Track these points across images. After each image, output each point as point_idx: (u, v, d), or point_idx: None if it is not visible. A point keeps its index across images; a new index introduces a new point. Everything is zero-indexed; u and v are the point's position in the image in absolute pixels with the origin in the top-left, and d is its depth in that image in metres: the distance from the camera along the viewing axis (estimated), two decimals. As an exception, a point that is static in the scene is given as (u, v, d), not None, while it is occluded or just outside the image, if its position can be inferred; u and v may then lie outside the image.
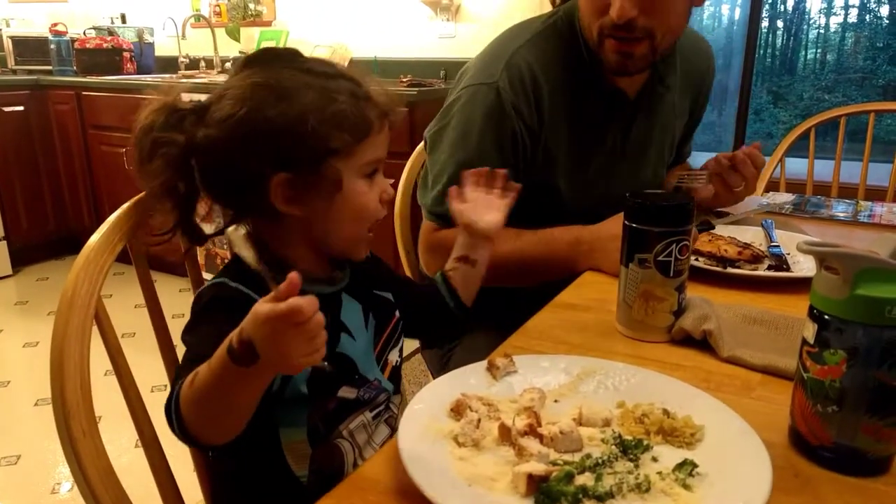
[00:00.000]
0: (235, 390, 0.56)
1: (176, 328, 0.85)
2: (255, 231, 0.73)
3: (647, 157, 1.22)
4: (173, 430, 0.61)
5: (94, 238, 0.76)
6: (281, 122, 0.66)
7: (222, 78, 3.32)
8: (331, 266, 0.76)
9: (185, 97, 0.71)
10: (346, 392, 0.74)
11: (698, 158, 1.48)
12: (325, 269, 0.76)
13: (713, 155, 1.23)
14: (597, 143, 1.14)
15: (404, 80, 2.82)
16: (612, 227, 0.99)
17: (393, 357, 0.81)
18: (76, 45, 3.58)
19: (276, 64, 0.69)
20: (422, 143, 1.41)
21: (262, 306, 0.50)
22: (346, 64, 3.20)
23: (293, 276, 0.50)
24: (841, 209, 1.43)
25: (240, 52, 3.46)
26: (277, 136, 0.66)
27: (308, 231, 0.72)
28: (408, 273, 1.40)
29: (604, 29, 1.03)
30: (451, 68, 2.96)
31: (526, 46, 1.10)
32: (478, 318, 1.20)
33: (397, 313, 0.82)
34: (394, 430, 0.80)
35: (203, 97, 0.70)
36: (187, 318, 0.70)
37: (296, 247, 0.73)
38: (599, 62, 1.08)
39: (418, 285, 0.90)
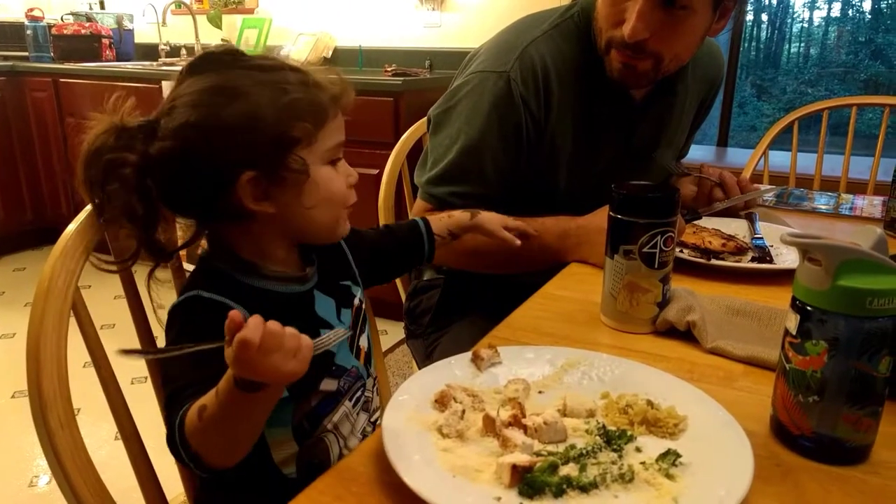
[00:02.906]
0: (250, 414, 0.58)
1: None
2: (224, 237, 0.72)
3: (649, 163, 1.21)
4: (183, 463, 0.61)
5: (72, 227, 0.74)
6: (237, 120, 0.65)
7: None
8: (302, 263, 0.76)
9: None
10: (328, 385, 0.74)
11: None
12: (296, 268, 0.75)
13: (701, 148, 1.24)
14: (601, 144, 1.13)
15: (389, 69, 2.80)
16: (600, 219, 0.99)
17: (363, 342, 0.82)
18: (53, 30, 3.51)
19: (220, 67, 0.68)
20: (409, 130, 1.40)
21: (226, 352, 0.53)
22: (329, 53, 3.18)
23: (233, 314, 0.52)
24: (823, 202, 1.44)
25: (222, 39, 3.42)
26: (236, 135, 0.65)
27: (283, 226, 0.72)
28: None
29: (612, 41, 1.02)
30: (436, 58, 2.95)
31: (542, 39, 1.09)
32: (463, 309, 1.20)
33: (357, 300, 0.82)
34: (370, 413, 0.81)
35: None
36: (168, 309, 0.69)
37: (269, 246, 0.72)
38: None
39: (373, 233, 0.92)
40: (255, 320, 0.52)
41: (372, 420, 0.81)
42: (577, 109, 1.10)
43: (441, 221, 0.94)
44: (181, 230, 0.73)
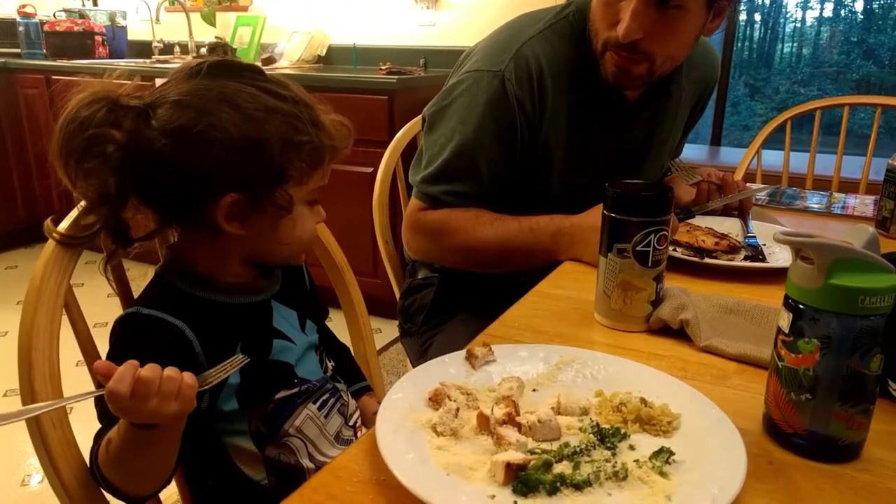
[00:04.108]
0: (150, 447, 0.60)
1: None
2: (184, 240, 0.71)
3: (643, 162, 1.22)
4: (103, 489, 0.64)
5: (64, 225, 0.73)
6: (242, 142, 0.64)
7: (198, 63, 3.26)
8: (259, 275, 0.76)
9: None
10: (284, 394, 0.74)
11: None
12: (252, 279, 0.75)
13: (694, 147, 1.24)
14: (594, 143, 1.14)
15: (383, 67, 2.79)
16: (593, 218, 0.99)
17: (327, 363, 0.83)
18: (46, 27, 3.48)
19: (237, 78, 0.67)
20: (404, 129, 1.40)
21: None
22: (323, 52, 3.17)
23: (97, 365, 0.53)
24: (815, 201, 1.45)
25: (216, 37, 3.40)
26: (237, 158, 0.64)
27: (245, 248, 0.72)
28: (386, 263, 1.39)
29: (608, 42, 1.03)
30: (431, 56, 2.95)
31: (536, 39, 1.09)
32: (457, 308, 1.20)
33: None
34: (346, 417, 0.81)
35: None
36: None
37: (226, 259, 0.72)
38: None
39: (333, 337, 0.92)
40: (124, 369, 0.52)
41: (350, 424, 0.81)
42: (571, 109, 1.10)
43: (366, 403, 0.91)
44: (143, 218, 0.71)
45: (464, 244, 1.08)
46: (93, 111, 0.63)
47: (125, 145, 0.64)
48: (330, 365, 0.83)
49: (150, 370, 0.53)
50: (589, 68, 1.08)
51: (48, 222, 0.71)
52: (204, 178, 0.65)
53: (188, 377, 0.55)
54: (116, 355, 0.65)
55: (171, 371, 0.54)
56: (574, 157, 1.13)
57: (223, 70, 0.67)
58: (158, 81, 0.69)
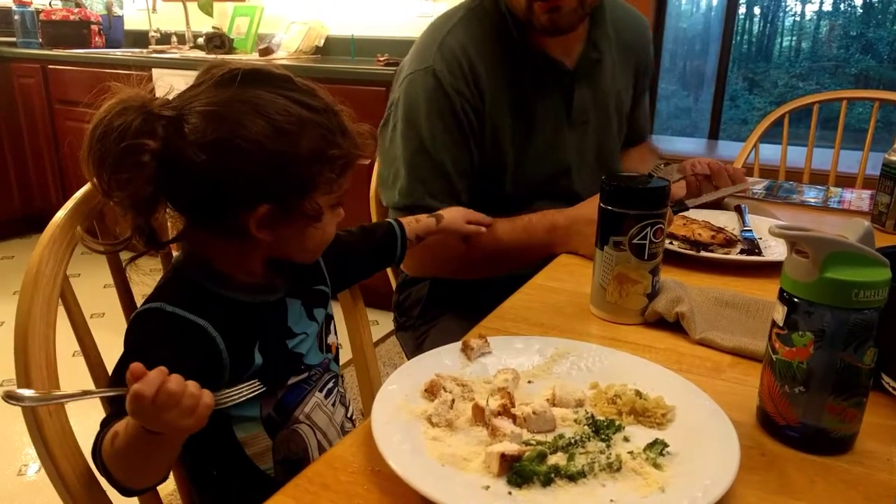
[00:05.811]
0: (153, 451, 0.60)
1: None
2: (206, 243, 0.71)
3: (591, 125, 1.22)
4: (101, 475, 0.64)
5: (60, 215, 0.73)
6: (278, 159, 0.65)
7: (195, 54, 3.24)
8: (272, 273, 0.76)
9: (158, 74, 0.68)
10: (294, 380, 0.75)
11: (678, 145, 1.48)
12: (268, 278, 0.75)
13: (692, 141, 1.24)
14: (541, 115, 1.14)
15: (381, 59, 2.78)
16: (589, 210, 0.99)
17: (332, 339, 0.83)
18: (41, 16, 3.46)
19: (269, 88, 0.66)
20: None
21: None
22: (321, 42, 3.16)
23: (133, 367, 0.52)
24: (812, 195, 1.45)
25: (213, 27, 3.38)
26: (273, 172, 0.65)
27: (270, 250, 0.72)
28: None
29: None
30: (429, 48, 2.93)
31: (455, 29, 1.10)
32: (452, 300, 1.20)
33: (330, 305, 0.84)
34: (347, 408, 0.82)
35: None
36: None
37: (249, 260, 0.72)
38: (531, 35, 1.09)
39: (349, 236, 0.93)
40: (155, 374, 0.52)
41: (349, 416, 0.82)
42: (510, 85, 1.11)
43: (410, 226, 0.96)
44: (170, 219, 0.72)
45: (459, 253, 1.08)
46: (128, 120, 0.62)
47: (159, 155, 0.63)
48: (333, 343, 0.83)
49: (176, 383, 0.53)
50: (516, 43, 1.09)
51: (80, 232, 0.73)
52: (238, 190, 0.65)
53: (207, 397, 0.56)
54: (138, 350, 0.65)
55: (193, 388, 0.55)
56: (523, 130, 1.13)
57: (255, 79, 0.67)
58: (155, 72, 0.68)
